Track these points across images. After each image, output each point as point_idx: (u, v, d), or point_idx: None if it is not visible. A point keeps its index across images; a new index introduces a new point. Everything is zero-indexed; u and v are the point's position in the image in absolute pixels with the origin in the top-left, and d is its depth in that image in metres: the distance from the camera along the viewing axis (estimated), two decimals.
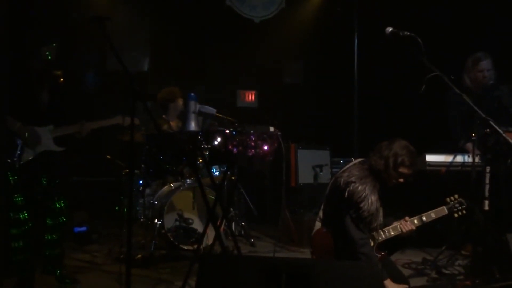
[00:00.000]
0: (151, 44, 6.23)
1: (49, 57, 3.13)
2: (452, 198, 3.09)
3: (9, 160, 2.96)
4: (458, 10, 5.12)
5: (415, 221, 3.00)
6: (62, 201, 3.16)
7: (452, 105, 4.08)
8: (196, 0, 6.00)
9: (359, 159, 3.16)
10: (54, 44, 3.15)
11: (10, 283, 3.00)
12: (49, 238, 3.16)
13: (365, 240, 2.88)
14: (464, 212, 3.07)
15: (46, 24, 3.36)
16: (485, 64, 4.02)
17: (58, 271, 3.18)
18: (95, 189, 5.39)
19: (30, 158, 3.04)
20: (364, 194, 2.86)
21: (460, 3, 5.11)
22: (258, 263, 2.20)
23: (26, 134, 3.02)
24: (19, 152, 2.99)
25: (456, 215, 3.07)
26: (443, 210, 3.06)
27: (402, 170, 2.92)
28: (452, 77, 4.08)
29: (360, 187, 2.88)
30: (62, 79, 3.26)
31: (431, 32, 4.84)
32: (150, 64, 6.23)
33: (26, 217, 3.03)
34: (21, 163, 3.00)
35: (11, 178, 2.98)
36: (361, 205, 2.85)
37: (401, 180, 2.97)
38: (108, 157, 4.54)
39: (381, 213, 2.99)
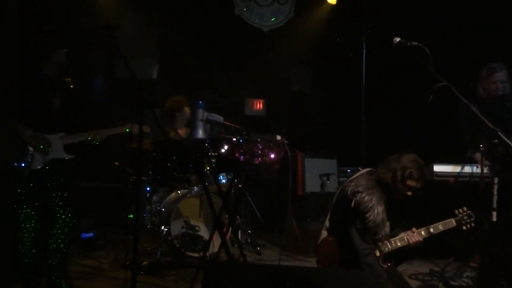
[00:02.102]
0: (159, 51, 6.30)
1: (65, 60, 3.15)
2: (460, 210, 3.07)
3: (18, 167, 2.96)
4: (473, 20, 5.10)
5: (422, 233, 3.00)
6: (68, 210, 3.13)
7: (463, 115, 4.07)
8: (206, 9, 6.06)
9: (367, 169, 3.16)
10: (65, 50, 3.18)
11: None
12: (55, 246, 3.13)
13: (368, 250, 2.87)
14: (473, 224, 3.05)
15: (57, 31, 3.39)
16: (500, 75, 4.00)
17: (63, 281, 3.14)
18: (102, 195, 5.42)
19: (40, 166, 3.04)
20: (370, 205, 2.86)
21: (476, 13, 5.09)
22: (264, 271, 2.21)
23: (38, 141, 3.03)
24: (29, 159, 2.99)
25: (464, 227, 3.05)
26: (451, 223, 3.04)
27: (410, 183, 2.92)
28: (471, 84, 4.06)
29: (367, 197, 2.88)
30: (72, 86, 3.29)
31: (442, 41, 4.87)
32: (158, 72, 6.29)
33: (34, 224, 3.04)
34: (31, 170, 3.00)
35: (19, 187, 2.98)
36: (367, 215, 2.86)
37: (409, 193, 2.96)
38: (116, 163, 4.58)
39: (387, 224, 2.99)
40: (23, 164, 2.98)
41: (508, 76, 4.02)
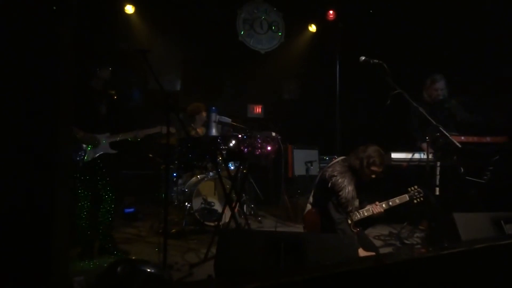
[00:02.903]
0: (182, 69, 6.26)
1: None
2: (412, 188, 3.07)
3: (74, 160, 2.96)
4: (423, 40, 5.09)
5: (383, 205, 3.00)
6: (113, 193, 3.14)
7: (413, 114, 4.06)
8: (217, 35, 6.03)
9: (341, 157, 3.16)
10: (109, 68, 3.17)
11: (75, 252, 3.05)
12: (102, 219, 3.15)
13: (342, 219, 2.89)
14: (422, 199, 3.05)
15: (102, 53, 3.38)
16: (440, 84, 3.98)
17: (111, 246, 3.17)
18: (140, 179, 5.43)
19: (91, 159, 3.04)
20: (343, 185, 2.87)
21: (422, 35, 5.08)
22: (264, 235, 2.21)
23: (89, 140, 3.04)
24: (82, 154, 3.00)
25: (415, 201, 3.05)
26: (405, 197, 3.04)
27: (374, 168, 2.92)
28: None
29: (340, 180, 2.88)
30: (115, 96, 3.28)
31: (398, 58, 4.85)
32: (181, 84, 6.26)
33: (88, 203, 3.04)
34: (84, 162, 3.01)
35: (75, 175, 2.99)
36: (340, 193, 2.87)
37: (373, 176, 2.96)
38: (150, 155, 4.58)
39: (356, 200, 2.99)
40: (78, 158, 2.99)
41: (446, 84, 4.01)
